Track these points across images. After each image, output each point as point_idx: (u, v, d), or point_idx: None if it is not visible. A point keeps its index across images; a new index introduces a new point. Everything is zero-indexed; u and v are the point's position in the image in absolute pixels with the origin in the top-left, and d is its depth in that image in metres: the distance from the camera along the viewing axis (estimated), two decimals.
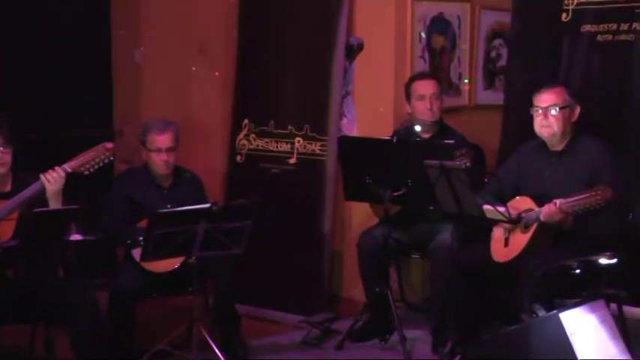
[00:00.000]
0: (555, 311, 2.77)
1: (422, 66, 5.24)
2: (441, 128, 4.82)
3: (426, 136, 4.76)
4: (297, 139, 5.19)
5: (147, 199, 4.42)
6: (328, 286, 5.12)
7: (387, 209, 4.39)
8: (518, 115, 5.18)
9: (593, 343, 2.76)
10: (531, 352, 2.76)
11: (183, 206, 4.04)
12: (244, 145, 5.40)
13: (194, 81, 5.63)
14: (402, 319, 4.54)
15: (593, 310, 2.83)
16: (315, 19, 5.21)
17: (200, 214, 3.90)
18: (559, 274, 3.38)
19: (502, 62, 5.69)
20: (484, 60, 5.66)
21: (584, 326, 2.78)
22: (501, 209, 4.05)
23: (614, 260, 3.16)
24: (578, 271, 3.16)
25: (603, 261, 3.16)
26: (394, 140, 4.40)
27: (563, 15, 5.05)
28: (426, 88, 4.77)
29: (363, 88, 5.24)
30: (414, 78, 4.89)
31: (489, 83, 5.71)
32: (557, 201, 3.92)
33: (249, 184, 5.22)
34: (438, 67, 5.37)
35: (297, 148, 5.19)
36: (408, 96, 4.84)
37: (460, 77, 5.52)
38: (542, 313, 2.97)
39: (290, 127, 5.22)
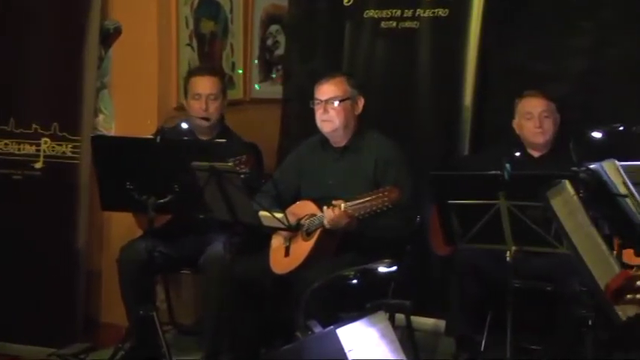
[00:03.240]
0: (332, 327, 2.83)
1: (189, 54, 5.22)
2: (222, 131, 4.83)
3: (205, 139, 4.76)
4: (43, 139, 5.04)
5: None
6: (84, 311, 5.02)
7: (152, 219, 4.35)
8: (299, 109, 5.30)
9: (374, 358, 2.85)
10: None
11: None
12: None
13: None
14: (171, 344, 4.51)
15: (373, 324, 2.92)
16: None
17: None
18: (339, 285, 3.45)
19: (280, 51, 5.78)
20: (260, 48, 5.72)
21: (363, 341, 2.86)
22: (279, 215, 4.10)
23: (394, 268, 3.27)
24: (355, 281, 3.24)
25: (382, 269, 3.26)
26: (158, 140, 4.36)
27: None
28: (202, 86, 4.79)
29: (122, 79, 5.17)
30: (192, 73, 4.93)
31: (266, 74, 5.78)
32: (342, 204, 4.02)
33: None
34: (208, 56, 5.38)
35: (44, 151, 5.04)
36: (186, 92, 4.86)
37: (234, 68, 5.56)
38: (318, 329, 3.02)
39: (35, 125, 5.06)
